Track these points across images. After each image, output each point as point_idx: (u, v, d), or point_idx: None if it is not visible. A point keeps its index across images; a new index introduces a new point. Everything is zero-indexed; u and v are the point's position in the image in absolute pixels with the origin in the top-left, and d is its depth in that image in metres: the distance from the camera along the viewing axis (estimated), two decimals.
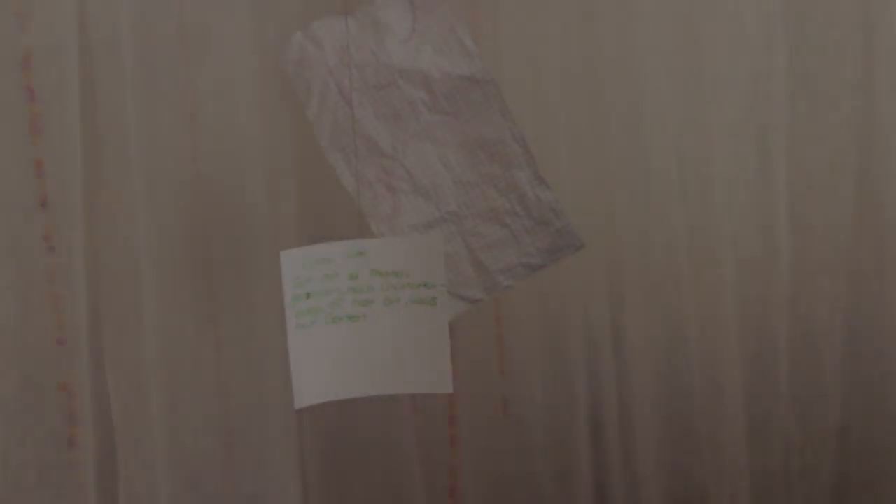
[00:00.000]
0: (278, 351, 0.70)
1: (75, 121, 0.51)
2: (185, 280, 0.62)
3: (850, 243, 1.35)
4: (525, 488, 1.02)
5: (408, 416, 0.86)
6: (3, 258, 0.59)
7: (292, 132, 0.64)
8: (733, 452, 1.26)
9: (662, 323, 1.20)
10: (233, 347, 0.66)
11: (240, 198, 0.63)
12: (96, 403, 0.60)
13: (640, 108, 1.18)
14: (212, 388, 0.65)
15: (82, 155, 0.52)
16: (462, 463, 0.90)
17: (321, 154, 0.58)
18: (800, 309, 1.34)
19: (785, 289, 1.32)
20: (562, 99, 1.10)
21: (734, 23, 1.29)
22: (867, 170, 1.35)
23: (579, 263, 1.10)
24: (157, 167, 0.58)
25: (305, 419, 0.72)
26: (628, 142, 1.16)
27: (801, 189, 1.35)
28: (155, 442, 0.60)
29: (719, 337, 1.25)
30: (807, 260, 1.35)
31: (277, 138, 0.65)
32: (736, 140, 1.30)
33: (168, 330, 0.61)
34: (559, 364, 1.10)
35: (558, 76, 1.09)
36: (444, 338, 0.49)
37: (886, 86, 1.33)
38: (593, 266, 1.12)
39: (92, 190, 0.55)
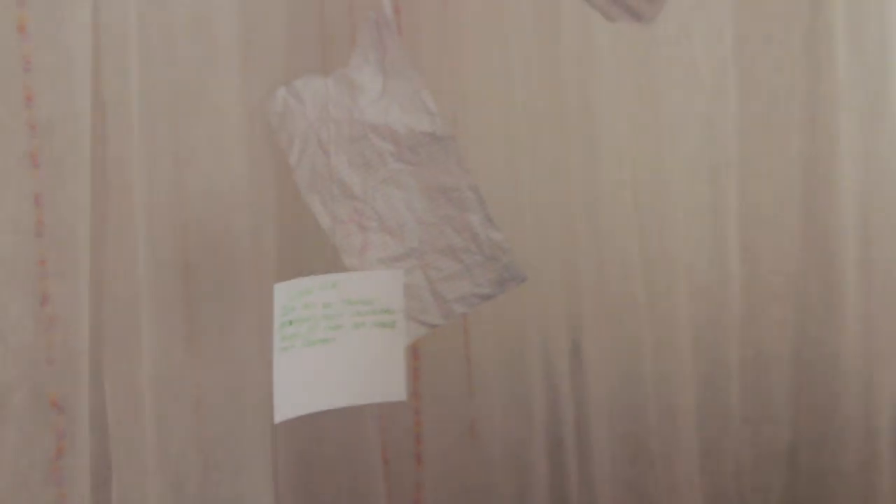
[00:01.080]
0: (256, 370, 0.79)
1: (86, 166, 0.60)
2: (177, 307, 0.71)
3: (797, 273, 1.46)
4: (487, 503, 1.10)
5: (374, 435, 0.94)
6: (2, 282, 0.67)
7: (275, 176, 0.74)
8: (687, 471, 1.34)
9: (619, 347, 1.29)
10: (216, 367, 0.74)
11: (227, 233, 0.73)
12: (92, 415, 0.68)
13: (599, 147, 1.27)
14: (196, 402, 0.74)
15: (91, 195, 0.61)
16: (426, 479, 0.98)
17: (300, 196, 0.68)
18: (750, 335, 1.44)
19: (736, 315, 1.43)
20: (527, 137, 1.20)
21: (689, 69, 1.40)
22: (812, 204, 1.46)
23: (541, 291, 1.20)
24: (156, 207, 0.67)
25: (280, 433, 0.81)
26: (589, 177, 1.25)
27: (751, 222, 1.46)
28: (146, 450, 0.68)
29: (673, 360, 1.34)
30: (756, 288, 1.46)
31: (262, 181, 0.75)
32: (690, 176, 1.40)
33: (161, 351, 0.70)
34: (520, 386, 1.19)
35: (524, 117, 1.19)
36: (400, 355, 0.59)
37: (828, 127, 1.46)
38: (554, 293, 1.22)
39: (98, 225, 0.63)
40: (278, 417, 0.61)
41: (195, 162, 0.69)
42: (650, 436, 1.31)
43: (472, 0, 1.17)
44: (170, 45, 0.67)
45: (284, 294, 0.54)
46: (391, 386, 0.57)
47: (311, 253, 0.77)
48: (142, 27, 0.63)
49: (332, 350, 0.55)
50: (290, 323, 0.54)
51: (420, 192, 0.66)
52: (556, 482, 1.20)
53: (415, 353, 0.99)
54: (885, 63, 1.44)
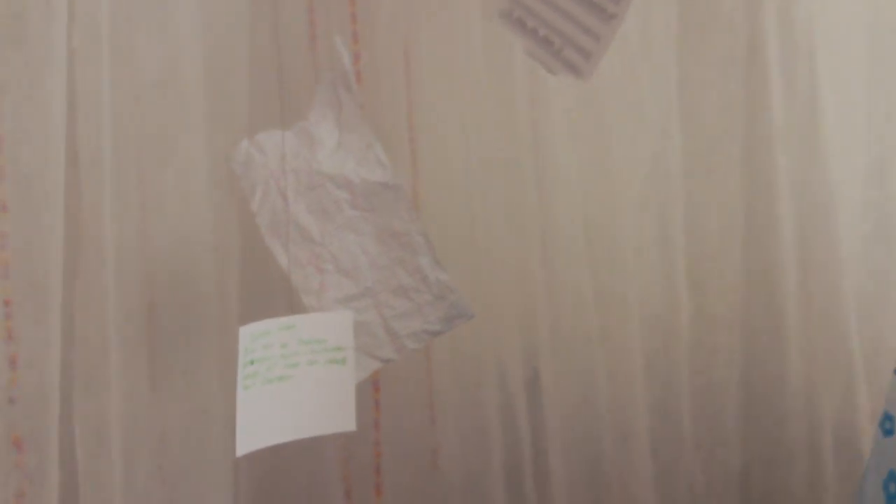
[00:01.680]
0: (217, 407, 0.84)
1: (59, 214, 0.65)
2: (143, 347, 0.76)
3: (742, 303, 1.56)
4: None
5: (335, 466, 0.99)
6: None
7: (238, 222, 0.80)
8: (643, 496, 1.40)
9: (574, 377, 1.36)
10: (179, 404, 0.79)
11: (192, 276, 0.78)
12: (62, 451, 0.71)
13: (551, 185, 1.36)
14: (161, 437, 0.78)
15: (63, 244, 0.66)
16: None
17: (262, 240, 0.74)
18: (700, 362, 1.53)
19: (686, 344, 1.51)
20: (481, 176, 1.28)
21: (636, 109, 1.50)
22: (754, 237, 1.56)
23: (498, 324, 1.27)
24: (125, 252, 0.72)
25: (242, 466, 0.85)
26: (541, 214, 1.34)
27: (697, 255, 1.55)
28: (113, 484, 0.72)
29: (627, 388, 1.41)
30: (704, 318, 1.54)
31: (225, 227, 0.80)
32: (639, 212, 1.50)
33: (127, 389, 0.74)
34: (480, 415, 1.24)
35: (477, 157, 1.27)
36: (350, 389, 0.64)
37: (766, 165, 1.58)
38: (510, 326, 1.28)
39: (70, 270, 0.68)
40: (241, 451, 0.66)
41: (163, 209, 0.74)
42: (606, 462, 1.37)
43: (429, 47, 1.26)
44: (140, 102, 0.73)
45: (247, 336, 0.59)
46: (342, 417, 0.63)
47: (272, 293, 0.83)
48: (114, 86, 0.69)
49: (288, 387, 0.61)
50: (252, 362, 0.60)
51: (373, 237, 0.73)
52: None
53: (375, 384, 1.05)
54: (815, 107, 1.56)
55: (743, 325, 1.56)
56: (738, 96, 1.54)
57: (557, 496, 1.31)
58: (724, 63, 1.58)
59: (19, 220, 0.62)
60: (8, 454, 0.73)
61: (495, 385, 1.26)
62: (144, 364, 0.75)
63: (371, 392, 1.12)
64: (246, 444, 0.66)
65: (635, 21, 1.52)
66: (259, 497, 0.89)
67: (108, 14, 0.66)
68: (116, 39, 0.68)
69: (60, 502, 0.70)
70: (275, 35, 0.88)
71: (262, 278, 0.84)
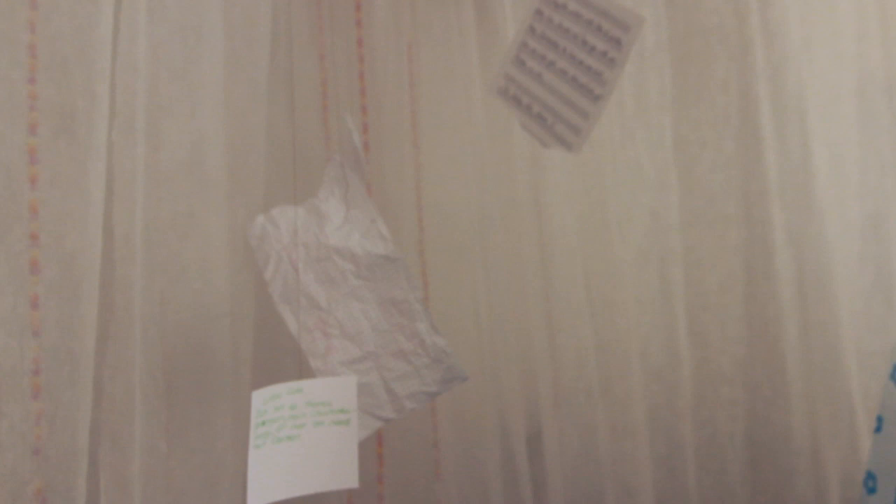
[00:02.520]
0: (230, 463, 0.90)
1: (95, 287, 0.74)
2: (163, 406, 0.83)
3: (744, 356, 1.61)
4: None
5: None
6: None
7: (253, 290, 0.89)
8: None
9: (577, 431, 1.41)
10: (195, 459, 0.86)
11: (209, 339, 0.86)
12: (88, 502, 0.78)
13: (551, 242, 1.44)
14: (178, 491, 0.85)
15: (99, 312, 0.75)
16: None
17: (274, 307, 0.83)
18: (703, 415, 1.57)
19: (689, 397, 1.56)
20: (483, 237, 1.36)
21: (634, 168, 1.60)
22: (754, 291, 1.61)
23: (500, 380, 1.33)
24: (150, 318, 0.81)
25: None
26: (542, 271, 1.41)
27: (698, 309, 1.62)
28: None
29: (630, 442, 1.46)
30: (706, 371, 1.59)
31: (241, 294, 0.89)
32: (639, 267, 1.57)
33: (148, 445, 0.81)
34: (483, 471, 1.29)
35: (479, 219, 1.36)
36: (353, 448, 0.71)
37: (762, 220, 1.64)
38: (512, 382, 1.34)
39: (102, 335, 0.76)
40: None
41: (185, 279, 0.83)
42: None
43: (432, 113, 1.36)
44: (168, 183, 0.82)
45: (259, 399, 0.67)
46: (346, 475, 0.69)
47: (282, 356, 0.91)
48: (146, 170, 0.79)
49: (296, 446, 0.68)
50: (263, 423, 0.67)
51: (376, 304, 0.81)
52: None
53: (378, 439, 1.11)
54: (808, 164, 1.64)
55: (745, 379, 1.61)
56: (733, 154, 1.64)
57: None
58: (718, 123, 1.67)
59: (60, 290, 0.71)
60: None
61: (498, 440, 1.31)
62: (164, 422, 0.82)
63: (375, 447, 1.18)
64: (256, 498, 0.73)
65: (631, 85, 1.63)
66: None
67: (144, 107, 0.77)
68: (150, 129, 0.78)
69: None
70: (290, 116, 0.99)
71: (274, 342, 0.92)
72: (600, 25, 0.99)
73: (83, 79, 0.69)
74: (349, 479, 0.68)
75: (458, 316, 1.29)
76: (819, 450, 1.56)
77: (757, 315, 1.63)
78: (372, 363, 0.80)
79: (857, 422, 1.52)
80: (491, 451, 1.28)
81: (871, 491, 0.84)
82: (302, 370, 0.81)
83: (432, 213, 1.31)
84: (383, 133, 1.28)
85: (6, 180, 0.69)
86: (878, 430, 0.93)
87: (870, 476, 0.89)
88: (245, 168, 0.91)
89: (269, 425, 0.67)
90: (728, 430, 1.60)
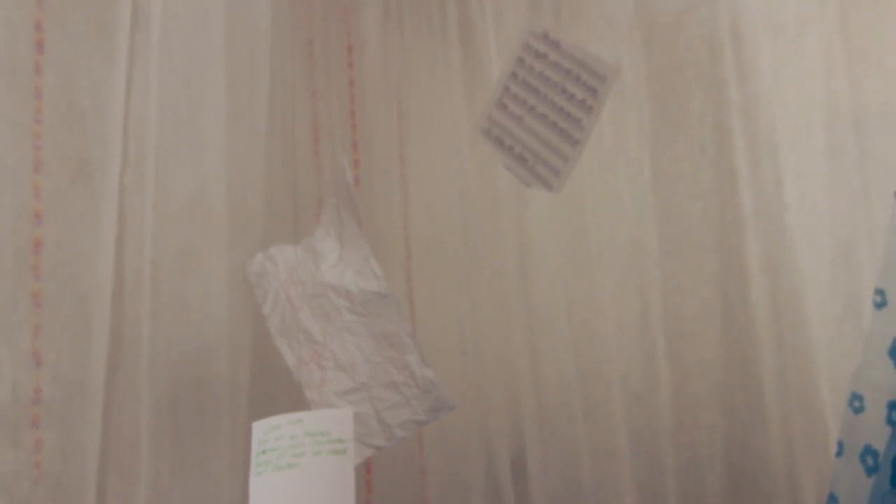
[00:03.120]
0: (227, 489, 0.95)
1: (106, 323, 0.79)
2: (167, 436, 0.89)
3: (721, 380, 1.68)
4: None
5: None
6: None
7: (252, 324, 0.95)
8: None
9: (559, 454, 1.47)
10: (195, 486, 0.91)
11: (209, 372, 0.92)
12: None
13: (535, 274, 1.52)
14: None
15: (107, 350, 0.80)
16: None
17: (271, 340, 0.89)
18: (683, 439, 1.64)
19: (668, 421, 1.63)
20: (465, 263, 1.43)
21: (613, 198, 1.68)
22: (730, 317, 1.69)
23: (485, 407, 1.39)
24: (157, 353, 0.86)
25: None
26: (522, 301, 1.48)
27: (677, 335, 1.69)
28: None
29: (612, 466, 1.52)
30: (685, 395, 1.66)
31: (240, 328, 0.95)
32: (619, 294, 1.64)
33: (154, 474, 0.86)
34: (466, 494, 1.35)
35: (465, 252, 1.43)
36: (350, 476, 0.77)
37: (737, 249, 1.72)
38: (497, 409, 1.40)
39: (111, 369, 0.82)
40: None
41: (187, 313, 0.89)
42: None
43: (420, 148, 1.44)
44: (174, 223, 0.89)
45: (260, 429, 0.73)
46: (342, 501, 0.75)
47: (278, 387, 0.97)
48: (155, 212, 0.85)
49: (295, 473, 0.74)
50: (264, 452, 0.73)
51: (368, 338, 0.87)
52: None
53: (367, 465, 1.17)
54: (780, 195, 1.72)
55: (723, 403, 1.68)
56: (709, 186, 1.73)
57: None
58: (695, 156, 1.77)
59: (73, 326, 0.76)
60: None
61: (483, 463, 1.36)
62: (168, 450, 0.88)
63: (363, 473, 1.23)
64: None
65: (610, 119, 1.72)
66: None
67: (153, 153, 0.84)
68: (158, 173, 0.85)
69: None
70: (288, 157, 1.06)
71: (271, 374, 0.98)
72: (578, 75, 1.08)
73: (98, 129, 0.76)
74: (346, 502, 0.74)
75: (445, 343, 1.35)
76: (796, 472, 1.63)
77: (734, 341, 1.70)
78: (364, 394, 0.86)
79: (831, 444, 1.58)
80: (476, 474, 1.34)
81: None
82: (298, 401, 0.87)
83: (420, 244, 1.38)
84: (373, 168, 1.35)
85: (24, 223, 0.75)
86: (839, 454, 1.01)
87: (832, 498, 0.97)
88: (245, 208, 0.98)
89: (269, 454, 0.73)
90: (707, 453, 1.66)
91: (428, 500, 1.36)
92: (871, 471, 0.87)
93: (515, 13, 1.46)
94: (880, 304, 0.97)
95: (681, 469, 1.62)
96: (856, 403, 1.00)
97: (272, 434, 0.72)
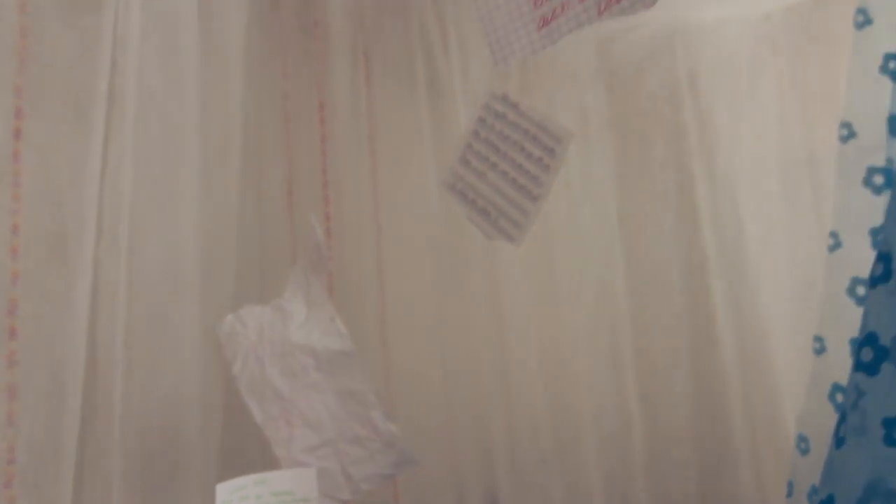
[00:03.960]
0: None
1: (79, 386, 0.83)
2: (139, 495, 0.92)
3: (692, 417, 1.74)
4: None
5: None
6: None
7: (221, 382, 1.00)
8: None
9: (532, 495, 1.50)
10: None
11: (180, 429, 0.95)
12: None
13: (506, 318, 1.55)
14: None
15: (80, 414, 0.84)
16: None
17: (240, 398, 0.93)
18: (656, 476, 1.68)
19: (641, 460, 1.67)
20: (437, 311, 1.48)
21: (582, 241, 1.74)
22: (698, 354, 1.76)
23: (458, 452, 1.42)
24: (129, 411, 0.90)
25: None
26: (497, 346, 1.53)
27: (647, 373, 1.75)
28: None
29: None
30: (658, 433, 1.72)
31: (210, 386, 1.00)
32: (590, 334, 1.69)
33: None
34: None
35: (433, 293, 1.47)
36: None
37: (703, 289, 1.79)
38: (470, 454, 1.44)
39: (83, 433, 0.85)
40: None
41: (159, 374, 0.93)
42: None
43: (391, 202, 1.49)
44: (147, 288, 0.93)
45: (225, 491, 0.77)
46: None
47: (248, 443, 1.01)
48: (128, 280, 0.90)
49: None
50: None
51: (334, 395, 0.92)
52: None
53: None
54: (741, 235, 1.79)
55: (695, 440, 1.73)
56: (673, 228, 1.82)
57: None
58: (659, 199, 1.85)
59: (48, 394, 0.80)
60: None
61: None
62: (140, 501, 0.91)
63: None
64: None
65: (577, 164, 1.80)
66: None
67: (128, 223, 0.89)
68: (132, 243, 0.89)
69: None
70: (258, 218, 1.11)
71: (240, 431, 1.02)
72: (536, 135, 1.15)
73: (75, 206, 0.81)
74: None
75: (419, 389, 1.39)
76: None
77: (702, 376, 1.77)
78: (331, 449, 0.90)
79: None
80: None
81: None
82: (266, 456, 0.91)
83: (392, 294, 1.42)
84: (345, 221, 1.41)
85: (1, 297, 0.79)
86: (788, 495, 1.06)
87: None
88: (216, 269, 1.03)
89: None
90: (681, 489, 1.70)
91: None
92: None
93: (481, 68, 1.54)
94: (819, 351, 1.03)
95: None
96: (802, 445, 1.06)
97: (237, 495, 0.76)
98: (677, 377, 1.77)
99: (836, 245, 1.01)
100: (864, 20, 0.94)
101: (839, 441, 0.71)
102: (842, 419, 0.72)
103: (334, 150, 1.42)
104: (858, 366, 0.70)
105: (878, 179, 0.93)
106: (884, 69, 0.90)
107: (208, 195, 1.05)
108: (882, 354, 0.67)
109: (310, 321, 0.94)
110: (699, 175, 1.83)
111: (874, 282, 0.70)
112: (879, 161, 0.93)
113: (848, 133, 0.97)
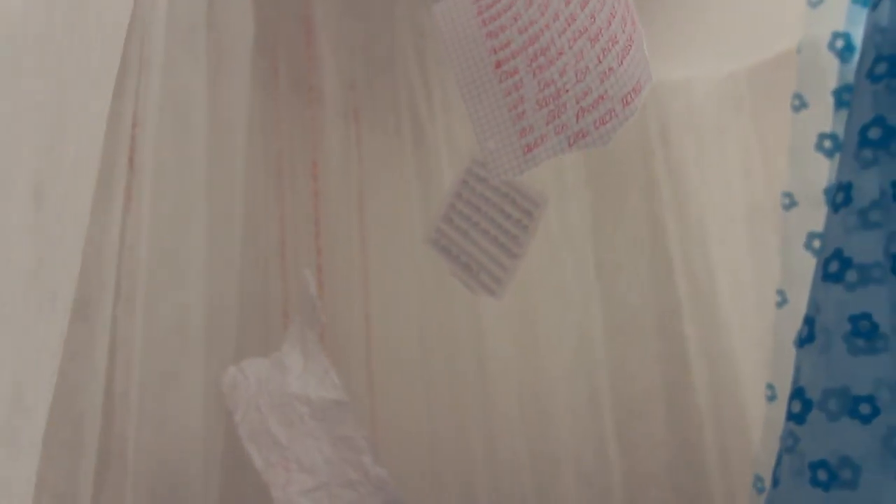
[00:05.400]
0: None
1: (94, 441, 0.92)
2: None
3: (669, 459, 1.85)
4: None
5: None
6: None
7: (223, 431, 1.09)
8: None
9: None
10: None
11: (183, 477, 1.05)
12: None
13: (488, 363, 1.67)
14: None
15: (95, 465, 0.93)
16: None
17: (241, 445, 1.04)
18: None
19: (620, 501, 1.77)
20: (419, 354, 1.58)
21: (561, 288, 1.87)
22: (673, 398, 1.88)
23: (438, 489, 1.51)
24: (140, 466, 0.99)
25: None
26: (478, 391, 1.63)
27: (625, 416, 1.86)
28: None
29: None
30: (636, 475, 1.82)
31: (213, 435, 1.09)
32: (569, 379, 1.81)
33: None
34: None
35: (416, 336, 1.58)
36: None
37: (677, 334, 1.91)
38: (450, 490, 1.53)
39: (97, 486, 0.94)
40: None
41: (167, 426, 1.03)
42: None
43: (379, 253, 1.61)
44: (159, 346, 1.04)
45: None
46: None
47: (249, 487, 1.10)
48: (143, 337, 1.01)
49: None
50: None
51: (328, 441, 1.02)
52: None
53: None
54: (712, 283, 1.92)
55: (672, 481, 1.83)
56: (647, 276, 1.95)
57: None
58: (633, 248, 1.98)
59: (70, 448, 0.89)
60: None
61: None
62: None
63: None
64: None
65: (556, 215, 1.93)
66: None
67: (143, 286, 0.99)
68: (147, 304, 1.00)
69: None
70: (259, 269, 1.23)
71: (241, 477, 1.11)
72: (514, 198, 1.28)
73: (97, 273, 0.91)
74: None
75: (404, 433, 1.49)
76: None
77: (678, 420, 1.87)
78: (325, 492, 1.00)
79: None
80: None
81: None
82: (265, 499, 1.01)
83: (379, 343, 1.53)
84: (336, 273, 1.52)
85: None
86: None
87: None
88: (220, 325, 1.14)
89: None
90: None
91: None
92: None
93: (464, 129, 1.69)
94: (771, 398, 1.15)
95: None
96: (758, 484, 1.17)
97: None
98: (654, 420, 1.87)
99: (783, 301, 1.14)
100: (800, 104, 1.09)
101: (775, 482, 0.83)
102: (777, 462, 0.84)
103: (326, 204, 1.54)
104: (790, 416, 0.82)
105: (817, 244, 1.06)
106: (818, 147, 1.04)
107: (213, 257, 1.16)
108: (808, 406, 0.80)
109: (306, 373, 1.05)
110: (671, 225, 1.96)
111: (801, 342, 0.82)
112: (818, 227, 1.07)
113: (790, 202, 1.11)
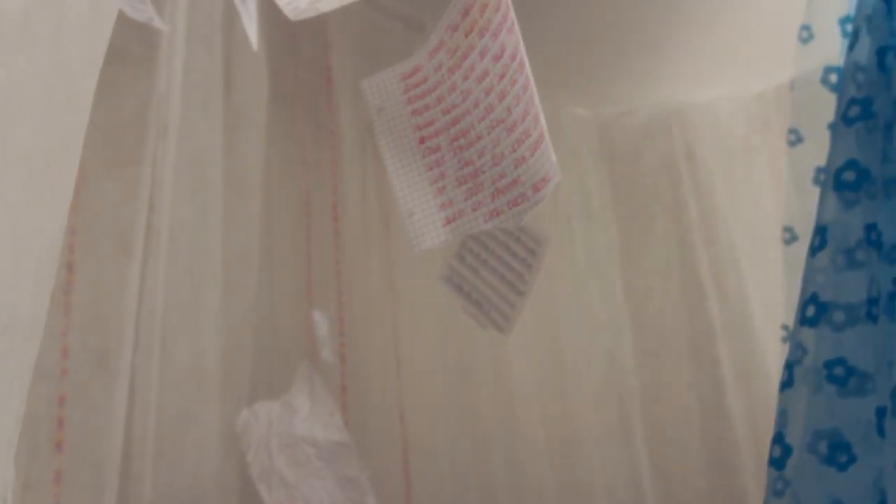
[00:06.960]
0: None
1: (114, 479, 1.00)
2: None
3: (704, 485, 1.79)
4: None
5: None
6: None
7: (237, 470, 1.15)
8: None
9: None
10: None
11: None
12: None
13: (511, 389, 1.66)
14: None
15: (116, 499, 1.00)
16: None
17: (253, 483, 1.09)
18: None
19: None
20: (445, 387, 1.58)
21: (588, 314, 1.85)
22: (708, 424, 1.83)
23: None
24: (159, 499, 1.06)
25: None
26: (502, 421, 1.62)
27: (658, 444, 1.81)
28: None
29: None
30: (670, 503, 1.77)
31: (227, 474, 1.15)
32: (599, 406, 1.78)
33: None
34: None
35: (442, 366, 1.58)
36: None
37: (710, 358, 1.86)
38: None
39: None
40: None
41: (183, 465, 1.09)
42: None
43: (402, 289, 1.64)
44: (175, 389, 1.11)
45: None
46: None
47: None
48: (160, 380, 1.08)
49: None
50: None
51: (333, 481, 1.06)
52: None
53: None
54: (745, 305, 1.87)
55: None
56: (678, 299, 1.92)
57: None
58: (662, 271, 1.94)
59: (90, 491, 0.96)
60: None
61: None
62: None
63: None
64: None
65: (582, 240, 1.92)
66: None
67: (160, 336, 1.07)
68: (163, 351, 1.07)
69: None
70: (275, 319, 1.28)
71: None
72: (519, 237, 1.29)
73: (116, 325, 0.99)
74: None
75: (433, 463, 1.48)
76: None
77: (714, 447, 1.82)
78: None
79: None
80: None
81: None
82: None
83: (407, 374, 1.54)
84: (358, 309, 1.55)
85: (52, 407, 0.97)
86: None
87: None
88: (235, 370, 1.20)
89: None
90: None
91: None
92: None
93: None
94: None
95: None
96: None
97: None
98: (689, 447, 1.83)
99: (787, 337, 1.10)
100: (796, 139, 1.07)
101: None
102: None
103: (346, 244, 1.59)
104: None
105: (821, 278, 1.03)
106: (815, 181, 1.02)
107: (228, 306, 1.22)
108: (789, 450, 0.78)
109: (312, 415, 1.10)
110: (700, 246, 1.92)
111: (782, 386, 0.80)
112: None
113: (790, 237, 1.08)
